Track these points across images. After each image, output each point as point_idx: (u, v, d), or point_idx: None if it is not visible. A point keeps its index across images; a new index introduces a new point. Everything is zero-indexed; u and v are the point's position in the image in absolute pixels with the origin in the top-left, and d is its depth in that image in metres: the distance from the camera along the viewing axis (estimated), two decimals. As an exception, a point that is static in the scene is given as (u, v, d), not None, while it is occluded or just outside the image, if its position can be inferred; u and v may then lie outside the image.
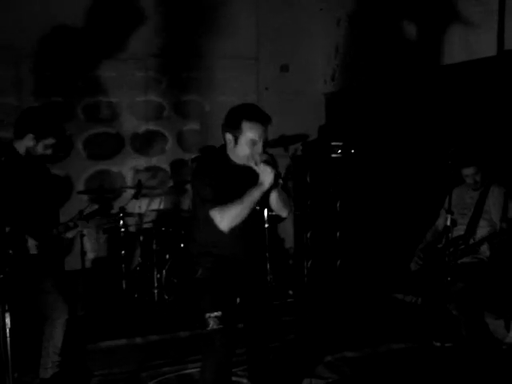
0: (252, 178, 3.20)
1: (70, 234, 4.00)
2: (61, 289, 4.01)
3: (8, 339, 2.76)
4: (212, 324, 3.24)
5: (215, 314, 3.24)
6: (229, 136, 3.27)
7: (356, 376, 4.34)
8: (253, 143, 3.20)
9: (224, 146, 3.37)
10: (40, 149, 3.89)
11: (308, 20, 8.05)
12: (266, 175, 3.12)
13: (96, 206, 3.96)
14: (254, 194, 3.16)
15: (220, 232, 3.24)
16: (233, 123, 3.25)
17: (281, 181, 3.18)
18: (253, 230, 3.46)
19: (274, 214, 3.59)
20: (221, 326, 3.23)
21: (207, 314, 3.26)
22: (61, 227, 3.91)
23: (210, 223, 3.25)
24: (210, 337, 3.27)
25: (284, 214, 3.45)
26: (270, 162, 3.17)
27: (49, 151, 3.94)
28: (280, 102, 7.84)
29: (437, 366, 4.18)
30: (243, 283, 3.47)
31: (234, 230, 3.28)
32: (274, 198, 3.33)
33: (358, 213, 6.96)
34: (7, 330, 2.74)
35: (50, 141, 3.90)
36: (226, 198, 3.19)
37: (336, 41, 7.86)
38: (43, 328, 4.00)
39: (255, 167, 3.20)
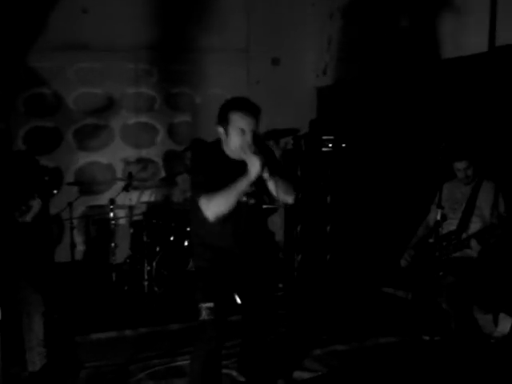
0: (245, 171, 3.20)
1: (28, 217, 3.89)
2: (36, 282, 3.99)
3: (-1, 332, 2.75)
4: (204, 314, 3.26)
5: (208, 304, 3.26)
6: (220, 129, 3.31)
7: (345, 369, 4.36)
8: (242, 132, 3.22)
9: (219, 140, 3.38)
10: None
11: (300, 13, 8.05)
12: (253, 165, 3.13)
13: (46, 178, 3.85)
14: (241, 184, 3.17)
15: (213, 225, 3.25)
16: (222, 115, 3.29)
17: (267, 172, 3.20)
18: (248, 225, 3.45)
19: (265, 206, 3.59)
20: (212, 317, 3.25)
21: (200, 304, 3.29)
22: (16, 213, 3.82)
23: (201, 215, 3.27)
24: (201, 327, 3.30)
25: (289, 200, 3.46)
26: (258, 152, 3.17)
27: None
28: (271, 96, 7.82)
29: (425, 360, 4.20)
30: (240, 276, 3.47)
31: (227, 224, 3.29)
32: (271, 187, 3.34)
33: (349, 207, 6.98)
34: (-3, 324, 2.73)
35: None
36: (216, 188, 3.20)
37: (328, 34, 7.85)
38: (21, 323, 3.98)
39: (245, 157, 3.21)
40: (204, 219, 3.27)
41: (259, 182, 3.35)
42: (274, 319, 3.63)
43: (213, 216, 3.21)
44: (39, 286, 3.99)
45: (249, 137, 3.23)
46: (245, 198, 3.37)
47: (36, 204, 3.84)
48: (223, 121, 3.28)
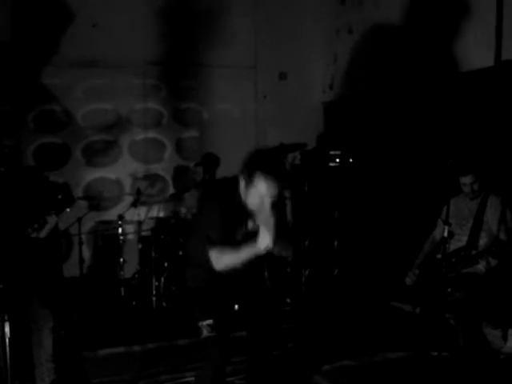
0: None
1: (42, 233, 3.91)
2: (45, 298, 4.01)
3: (7, 348, 2.76)
4: (205, 332, 3.26)
5: (207, 322, 3.26)
6: (242, 180, 3.20)
7: (353, 385, 4.35)
8: (262, 197, 3.13)
9: (237, 181, 3.27)
10: None
11: (307, 29, 8.11)
12: (264, 240, 3.07)
13: (59, 197, 3.87)
14: (249, 252, 3.15)
15: None
16: (249, 170, 3.14)
17: (276, 249, 3.16)
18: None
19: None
20: (213, 334, 3.24)
21: (200, 323, 3.28)
22: (28, 229, 3.82)
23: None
24: (204, 345, 3.28)
25: (287, 256, 3.47)
26: (272, 227, 3.08)
27: None
28: (278, 110, 7.90)
29: (434, 376, 4.19)
30: (240, 291, 3.48)
31: None
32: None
33: (356, 222, 6.98)
34: (6, 340, 2.75)
35: None
36: (228, 239, 3.21)
37: (335, 50, 7.90)
38: (31, 338, 3.99)
39: (259, 222, 3.17)
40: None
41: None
42: (276, 334, 3.61)
43: (219, 269, 3.24)
44: (48, 302, 4.01)
45: (268, 203, 3.13)
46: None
47: (52, 220, 3.87)
48: (248, 176, 3.14)
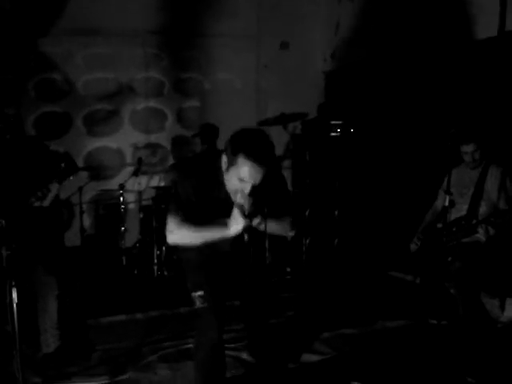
0: (230, 205, 3.06)
1: (46, 202, 3.91)
2: (50, 265, 4.05)
3: (15, 314, 2.80)
4: (197, 303, 3.26)
5: (198, 293, 3.25)
6: (224, 158, 3.05)
7: (353, 352, 4.40)
8: (242, 180, 2.97)
9: (219, 155, 3.12)
10: None
11: (309, -3, 8.04)
12: (234, 224, 2.96)
13: (62, 165, 3.87)
14: (215, 234, 3.05)
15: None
16: (231, 151, 2.98)
17: (246, 237, 2.94)
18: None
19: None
20: (206, 305, 3.23)
21: (192, 294, 3.29)
22: (32, 198, 3.83)
23: None
24: (197, 315, 3.30)
25: (287, 236, 3.39)
26: (245, 212, 2.95)
27: None
28: (279, 80, 7.86)
29: (432, 343, 4.24)
30: (229, 262, 3.46)
31: None
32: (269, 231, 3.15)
33: (357, 192, 7.00)
34: (14, 305, 2.79)
35: None
36: (195, 212, 3.08)
37: (337, 18, 7.83)
38: (36, 305, 4.06)
39: (235, 204, 3.03)
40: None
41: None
42: (270, 303, 3.61)
43: (171, 241, 3.13)
44: (53, 270, 4.05)
45: (247, 187, 2.96)
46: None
47: (54, 189, 3.88)
48: (230, 155, 2.98)
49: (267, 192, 3.08)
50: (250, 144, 2.95)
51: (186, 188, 3.13)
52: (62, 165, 3.87)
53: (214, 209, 3.15)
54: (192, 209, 3.11)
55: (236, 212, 2.97)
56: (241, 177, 2.95)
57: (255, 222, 3.00)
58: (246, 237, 2.98)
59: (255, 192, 2.98)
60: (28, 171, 3.90)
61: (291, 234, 3.39)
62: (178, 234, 3.11)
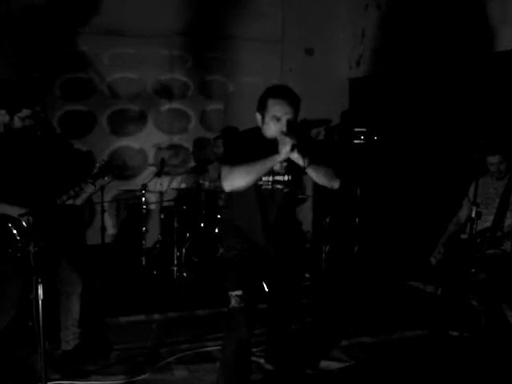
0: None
1: (78, 201, 3.96)
2: (75, 263, 4.07)
3: (40, 310, 2.82)
4: (233, 302, 3.29)
5: (236, 292, 3.29)
6: (258, 116, 3.34)
7: (372, 361, 4.37)
8: (276, 119, 3.22)
9: (258, 128, 3.38)
10: (17, 123, 3.74)
11: (334, 4, 8.02)
12: (283, 144, 3.10)
13: (98, 165, 3.89)
14: (268, 161, 3.17)
15: (247, 214, 3.30)
16: (261, 102, 3.31)
17: (296, 152, 3.10)
18: (280, 214, 3.46)
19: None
20: (242, 305, 3.28)
21: (229, 292, 3.32)
22: (64, 196, 3.84)
23: (235, 200, 3.37)
24: (230, 314, 3.32)
25: (334, 185, 3.40)
26: (291, 135, 3.12)
27: (28, 122, 3.75)
28: (303, 85, 7.78)
29: (452, 355, 4.20)
30: (268, 266, 3.51)
31: (259, 214, 3.34)
32: (311, 175, 3.31)
33: (378, 200, 6.97)
34: (40, 302, 2.80)
35: (25, 112, 3.74)
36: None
37: (363, 25, 7.81)
38: (59, 302, 4.08)
39: (279, 140, 3.19)
40: (239, 210, 3.32)
41: (295, 172, 3.37)
42: (296, 309, 3.64)
43: (229, 187, 3.23)
44: (77, 267, 4.07)
45: (283, 122, 3.22)
46: (280, 186, 3.40)
47: (90, 189, 3.91)
48: (261, 107, 3.31)
49: (310, 146, 3.29)
50: (273, 88, 3.34)
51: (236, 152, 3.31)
52: (97, 164, 3.90)
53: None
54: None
55: (282, 137, 3.14)
56: (275, 115, 3.22)
57: (304, 161, 3.15)
58: (286, 189, 3.36)
59: (293, 128, 3.21)
60: (58, 168, 3.93)
61: (336, 183, 3.40)
62: (234, 175, 3.20)
